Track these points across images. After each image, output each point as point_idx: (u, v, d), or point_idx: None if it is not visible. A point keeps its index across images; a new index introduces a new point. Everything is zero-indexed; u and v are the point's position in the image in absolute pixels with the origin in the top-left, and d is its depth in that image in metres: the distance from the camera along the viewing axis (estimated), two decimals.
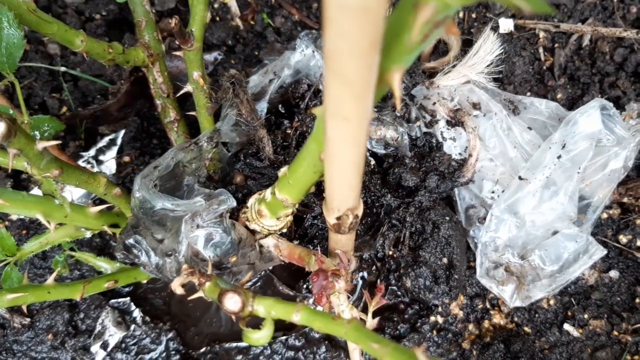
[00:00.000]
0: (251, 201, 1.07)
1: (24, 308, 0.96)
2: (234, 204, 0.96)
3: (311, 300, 1.31)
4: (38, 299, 0.96)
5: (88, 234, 1.08)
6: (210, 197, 0.95)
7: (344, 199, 0.83)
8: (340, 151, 0.67)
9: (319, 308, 1.30)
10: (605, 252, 1.21)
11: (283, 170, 0.94)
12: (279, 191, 0.94)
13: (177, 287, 0.80)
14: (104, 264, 1.14)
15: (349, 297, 1.06)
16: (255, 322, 0.74)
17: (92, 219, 1.04)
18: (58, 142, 0.79)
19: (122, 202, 1.03)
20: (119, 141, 1.35)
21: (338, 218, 0.91)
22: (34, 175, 0.83)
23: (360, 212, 0.91)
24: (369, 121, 0.61)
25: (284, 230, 1.12)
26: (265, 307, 0.73)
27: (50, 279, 0.98)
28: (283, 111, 1.31)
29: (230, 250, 0.99)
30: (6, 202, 0.86)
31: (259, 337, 0.72)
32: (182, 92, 1.03)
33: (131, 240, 0.99)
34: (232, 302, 0.72)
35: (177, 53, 1.00)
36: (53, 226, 0.97)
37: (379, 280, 1.30)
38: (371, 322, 1.02)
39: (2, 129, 0.64)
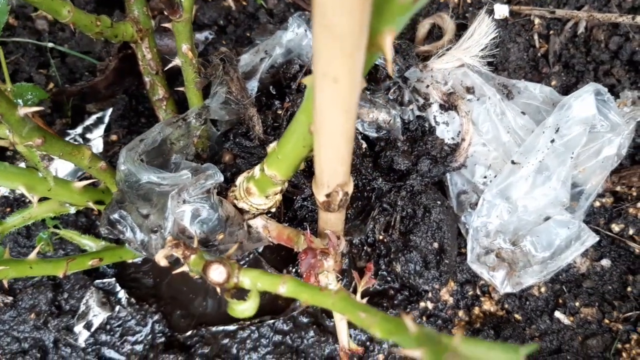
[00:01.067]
0: (239, 180, 1.05)
1: (5, 283, 0.94)
2: (221, 178, 0.94)
3: None
4: (20, 274, 0.94)
5: (72, 210, 1.06)
6: (197, 172, 0.93)
7: (333, 173, 0.81)
8: (329, 118, 0.65)
9: None
10: (597, 238, 1.19)
11: (272, 145, 0.92)
12: (268, 167, 0.92)
13: (161, 260, 0.79)
14: (89, 242, 1.12)
15: (338, 278, 1.04)
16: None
17: (76, 194, 1.01)
18: (40, 108, 0.77)
19: (107, 177, 1.01)
20: (106, 119, 1.32)
21: (327, 195, 0.89)
22: (16, 144, 0.81)
23: (350, 189, 0.89)
24: (359, 85, 0.59)
25: (273, 210, 1.10)
26: (251, 279, 0.71)
27: (33, 254, 0.96)
28: (274, 92, 1.29)
29: (218, 228, 0.98)
30: None
31: (245, 309, 0.70)
32: (170, 65, 1.01)
33: (116, 216, 0.97)
34: (217, 273, 0.71)
35: (167, 25, 0.97)
36: (36, 200, 0.94)
37: (371, 259, 1.28)
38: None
39: None
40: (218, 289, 0.77)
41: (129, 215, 0.97)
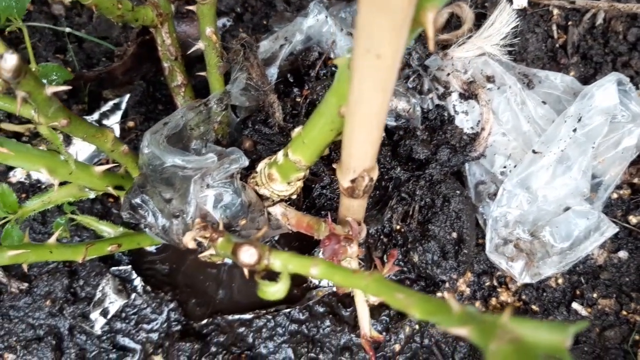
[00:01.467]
0: (261, 166, 1.05)
1: (25, 267, 0.93)
2: (246, 163, 0.93)
3: None
4: (39, 258, 0.93)
5: (92, 195, 1.05)
6: (222, 156, 0.92)
7: (362, 156, 0.80)
8: (367, 97, 0.64)
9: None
10: (616, 229, 1.19)
11: (297, 130, 0.91)
12: (293, 152, 0.92)
13: (189, 242, 0.78)
14: (106, 228, 1.11)
15: (360, 265, 1.04)
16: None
17: (96, 179, 1.00)
18: (67, 87, 0.76)
19: (129, 161, 1.00)
20: (123, 105, 1.31)
21: (353, 181, 0.89)
22: (41, 124, 0.80)
23: (375, 175, 0.88)
24: (400, 63, 0.59)
25: (294, 197, 1.10)
26: (282, 261, 0.70)
27: (53, 239, 0.95)
28: (292, 80, 1.28)
29: (240, 213, 0.97)
30: (11, 152, 0.83)
31: (276, 291, 0.69)
32: (193, 49, 1.00)
33: (138, 200, 0.96)
34: (247, 255, 0.70)
35: (191, 7, 0.96)
36: (57, 183, 0.94)
37: (387, 250, 1.27)
38: None
39: (14, 61, 0.61)
40: (246, 271, 0.76)
41: (151, 199, 0.96)
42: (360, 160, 0.82)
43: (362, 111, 0.67)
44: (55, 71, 0.95)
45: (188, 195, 0.93)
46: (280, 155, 0.96)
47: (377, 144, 0.77)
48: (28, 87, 0.71)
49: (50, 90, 0.75)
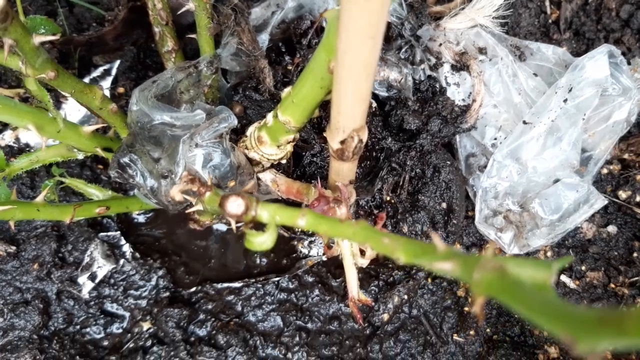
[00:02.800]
0: (250, 129, 1.04)
1: (12, 225, 0.92)
2: (235, 122, 0.92)
3: (306, 242, 1.29)
4: (26, 216, 0.93)
5: (80, 156, 1.04)
6: (211, 115, 0.92)
7: (351, 114, 0.80)
8: (354, 46, 0.63)
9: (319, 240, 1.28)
10: (605, 202, 1.19)
11: (287, 90, 0.91)
12: (282, 112, 0.91)
13: (176, 194, 0.77)
14: (95, 192, 1.10)
15: None
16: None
17: (85, 139, 1.00)
18: (54, 37, 0.75)
19: (118, 121, 0.99)
20: (113, 71, 1.30)
21: (342, 142, 0.88)
22: (29, 76, 0.79)
23: (365, 136, 0.88)
24: (388, 8, 0.58)
25: (284, 162, 1.10)
26: (270, 212, 0.70)
27: (40, 197, 0.95)
28: (284, 49, 1.28)
29: (229, 174, 0.96)
30: None
31: (262, 242, 0.69)
32: (183, 9, 0.99)
33: (126, 159, 0.95)
34: (235, 205, 0.69)
35: None
36: (45, 141, 0.93)
37: (376, 213, 1.27)
38: (370, 253, 1.00)
39: (0, 2, 0.60)
40: (234, 225, 0.76)
41: (140, 159, 0.95)
42: (349, 118, 0.82)
43: (351, 62, 0.67)
44: (44, 24, 0.94)
45: (177, 155, 0.92)
46: (269, 116, 0.95)
47: (366, 100, 0.77)
48: (15, 34, 0.71)
49: (37, 39, 0.74)
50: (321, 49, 0.76)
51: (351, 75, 0.70)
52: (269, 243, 0.70)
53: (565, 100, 1.15)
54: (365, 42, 0.62)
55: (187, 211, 0.87)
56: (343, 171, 1.01)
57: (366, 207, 1.28)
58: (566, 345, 0.34)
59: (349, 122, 0.83)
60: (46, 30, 0.95)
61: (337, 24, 0.65)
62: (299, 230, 1.30)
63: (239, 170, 0.99)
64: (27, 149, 1.26)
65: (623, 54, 1.37)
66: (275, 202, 1.30)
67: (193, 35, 1.07)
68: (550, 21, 1.44)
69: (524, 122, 1.18)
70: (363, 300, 0.99)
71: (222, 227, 1.32)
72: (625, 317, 0.31)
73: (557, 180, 1.21)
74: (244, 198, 0.70)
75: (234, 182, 0.98)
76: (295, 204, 1.19)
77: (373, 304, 1.22)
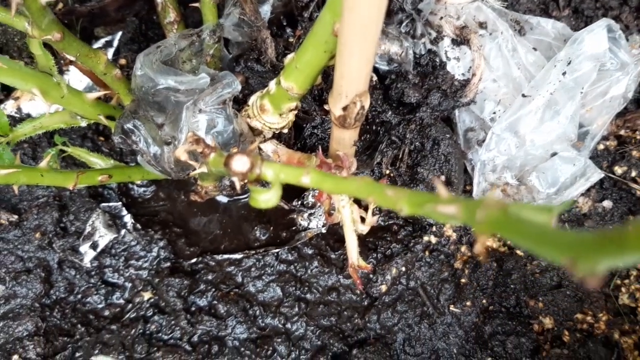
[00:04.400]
0: (253, 98, 1.05)
1: (16, 189, 0.93)
2: (239, 87, 0.93)
3: (305, 214, 1.30)
4: (30, 181, 0.93)
5: (83, 123, 1.05)
6: (215, 81, 0.93)
7: (354, 77, 0.81)
8: (360, 4, 0.64)
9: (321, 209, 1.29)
10: (602, 175, 1.21)
11: (290, 56, 0.92)
12: (285, 79, 0.92)
13: (181, 154, 0.78)
14: (98, 160, 1.11)
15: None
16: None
17: (88, 106, 1.00)
18: None
19: (121, 87, 1.00)
20: (115, 43, 1.31)
21: (344, 108, 0.90)
22: (34, 37, 0.80)
23: (367, 102, 0.89)
24: None
25: (285, 131, 1.10)
26: (274, 170, 0.71)
27: (44, 162, 0.95)
28: (286, 22, 1.28)
29: (232, 141, 0.97)
30: (4, 65, 0.82)
31: (267, 199, 0.70)
32: None
33: (130, 125, 0.96)
34: (240, 163, 0.70)
35: None
36: (48, 106, 0.94)
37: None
38: (370, 219, 1.01)
39: None
40: (238, 185, 0.77)
41: (143, 125, 0.96)
42: (352, 82, 0.83)
43: (356, 19, 0.68)
44: None
45: (180, 122, 0.93)
46: (272, 84, 0.96)
47: (371, 62, 0.78)
48: None
49: None
50: (326, 10, 0.77)
51: (356, 34, 0.70)
52: (274, 200, 0.71)
53: (564, 74, 1.16)
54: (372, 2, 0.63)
55: (190, 174, 0.88)
56: (345, 140, 1.02)
57: None
58: (568, 270, 0.35)
59: (352, 87, 0.84)
60: None
61: None
62: (299, 202, 1.31)
63: (242, 138, 1.00)
64: (29, 119, 1.27)
65: (621, 31, 1.38)
66: None
67: (196, 4, 1.08)
68: None
69: (523, 95, 1.19)
70: (362, 266, 1.00)
71: (223, 199, 1.33)
72: (623, 233, 0.32)
73: (554, 154, 1.22)
74: (249, 156, 0.71)
75: (236, 149, 0.99)
76: (294, 187, 1.20)
77: (372, 270, 1.24)
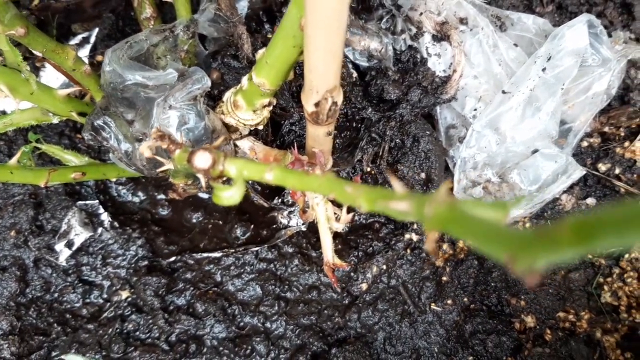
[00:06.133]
0: (227, 95, 1.04)
1: None
2: (209, 83, 0.92)
3: (285, 212, 1.29)
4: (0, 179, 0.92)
5: (55, 120, 1.03)
6: (184, 76, 0.91)
7: (323, 72, 0.80)
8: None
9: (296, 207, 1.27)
10: (584, 172, 1.20)
11: (261, 51, 0.91)
12: (257, 74, 0.91)
13: (145, 150, 0.77)
14: (72, 158, 1.10)
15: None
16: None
17: (59, 102, 0.99)
18: None
19: (92, 83, 0.99)
20: (92, 39, 1.29)
21: (316, 104, 0.88)
22: None
23: (340, 98, 0.88)
24: None
25: (260, 128, 1.09)
26: (237, 167, 0.70)
27: (13, 160, 0.94)
28: (265, 18, 1.27)
29: (204, 138, 0.96)
30: None
31: (230, 196, 0.69)
32: None
33: (100, 122, 0.95)
34: (202, 160, 0.69)
35: None
36: (18, 103, 0.92)
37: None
38: (345, 217, 1.00)
39: None
40: (203, 181, 0.76)
41: (113, 121, 0.95)
42: (322, 78, 0.81)
43: (318, 14, 0.66)
44: None
45: (151, 118, 0.92)
46: (244, 80, 0.95)
47: (338, 56, 0.76)
48: None
49: None
50: (292, 5, 0.76)
51: (320, 28, 0.69)
52: (237, 197, 0.70)
53: (544, 70, 1.15)
54: None
55: (158, 170, 0.87)
56: (319, 136, 1.01)
57: (346, 178, 1.28)
58: (509, 267, 0.34)
59: (321, 82, 0.82)
60: None
61: None
62: (279, 200, 1.30)
63: (214, 135, 0.99)
64: (2, 115, 1.25)
65: (605, 27, 1.37)
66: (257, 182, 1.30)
67: (171, 0, 1.06)
68: None
69: (503, 92, 1.18)
70: (338, 264, 0.99)
71: (203, 196, 1.31)
72: (556, 229, 0.31)
73: (535, 151, 1.21)
74: (212, 152, 0.70)
75: (208, 145, 0.97)
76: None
77: (352, 267, 1.23)
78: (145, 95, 0.92)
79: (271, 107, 1.01)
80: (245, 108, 0.99)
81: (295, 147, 1.05)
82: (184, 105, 0.92)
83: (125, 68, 0.87)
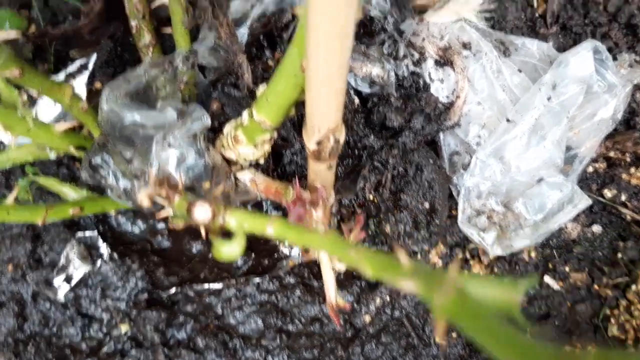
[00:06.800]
0: (227, 128, 1.02)
1: None
2: (209, 122, 0.90)
3: (287, 242, 1.27)
4: None
5: (52, 155, 1.01)
6: (184, 114, 0.89)
7: (325, 112, 0.78)
8: (323, 47, 0.61)
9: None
10: (590, 202, 1.17)
11: (262, 88, 0.89)
12: (257, 112, 0.89)
13: (143, 199, 0.75)
14: (70, 191, 1.08)
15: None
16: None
17: (57, 138, 0.97)
18: (16, 35, 0.72)
19: (89, 120, 0.97)
20: (90, 66, 1.27)
21: (319, 143, 0.86)
22: None
23: (342, 136, 0.86)
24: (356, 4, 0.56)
25: (261, 162, 1.07)
26: (237, 219, 0.68)
27: (10, 198, 0.92)
28: (265, 43, 1.25)
29: (204, 176, 0.94)
30: None
31: (231, 251, 0.66)
32: (157, 3, 0.96)
33: (98, 159, 0.93)
34: (201, 212, 0.67)
35: None
36: (15, 140, 0.90)
37: (357, 213, 1.25)
38: None
39: None
40: (203, 232, 0.74)
41: (112, 159, 0.93)
42: (324, 118, 0.79)
43: (320, 60, 0.64)
44: (8, 18, 0.91)
45: (149, 155, 0.90)
46: (245, 115, 0.93)
47: (340, 95, 0.74)
48: None
49: (0, 36, 0.72)
50: (293, 45, 0.74)
51: (322, 72, 0.67)
52: (237, 252, 0.68)
53: (549, 98, 1.13)
54: (335, 39, 0.60)
55: (158, 216, 0.85)
56: (321, 172, 0.99)
57: (349, 206, 1.26)
58: None
59: (323, 122, 0.80)
60: (10, 24, 0.92)
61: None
62: None
63: (214, 171, 0.97)
64: (2, 146, 1.24)
65: (610, 49, 1.35)
66: (254, 205, 1.28)
67: (170, 31, 1.04)
68: (537, 15, 1.41)
69: (507, 120, 1.16)
70: (340, 305, 0.97)
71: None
72: (581, 357, 0.29)
73: (541, 180, 1.19)
74: (211, 204, 0.68)
75: (209, 183, 0.96)
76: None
77: (351, 308, 1.21)
78: (143, 132, 0.90)
79: (272, 142, 0.99)
80: (246, 143, 0.97)
81: (297, 180, 1.03)
82: (184, 143, 0.90)
83: (124, 107, 0.86)
